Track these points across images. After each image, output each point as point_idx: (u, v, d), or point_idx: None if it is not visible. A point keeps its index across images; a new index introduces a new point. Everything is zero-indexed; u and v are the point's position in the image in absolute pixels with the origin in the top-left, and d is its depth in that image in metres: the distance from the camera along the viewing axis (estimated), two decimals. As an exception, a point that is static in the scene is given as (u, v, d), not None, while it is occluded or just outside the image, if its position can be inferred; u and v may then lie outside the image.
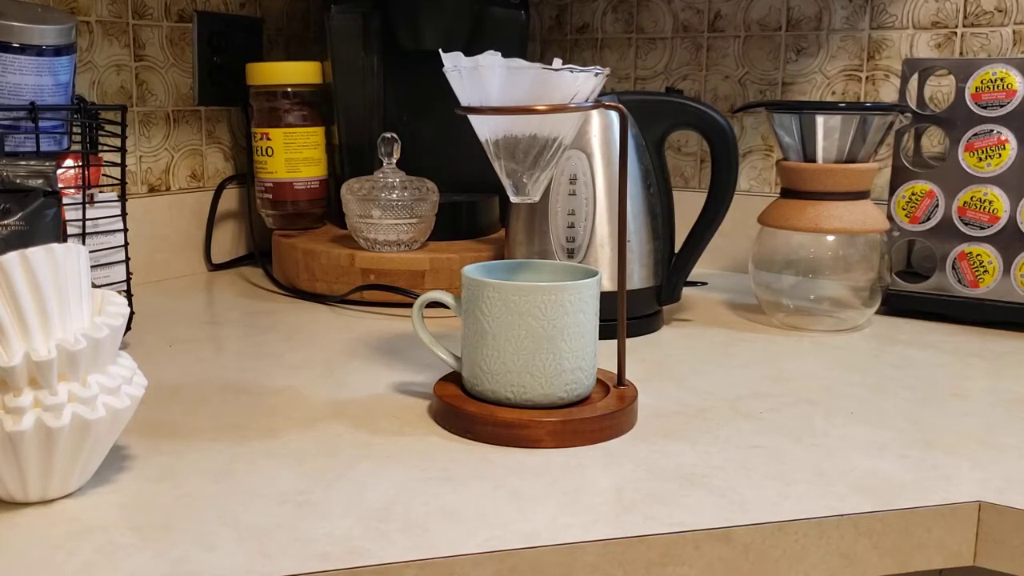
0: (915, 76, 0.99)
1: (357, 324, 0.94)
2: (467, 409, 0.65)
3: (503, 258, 0.97)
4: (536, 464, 0.60)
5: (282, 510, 0.53)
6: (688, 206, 1.21)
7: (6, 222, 0.70)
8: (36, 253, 0.51)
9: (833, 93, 1.15)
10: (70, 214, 0.78)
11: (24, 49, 0.74)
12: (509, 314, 0.64)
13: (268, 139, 1.12)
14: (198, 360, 0.82)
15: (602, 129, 0.88)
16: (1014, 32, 1.04)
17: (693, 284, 1.05)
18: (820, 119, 0.91)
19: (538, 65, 0.61)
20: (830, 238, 0.91)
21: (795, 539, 0.54)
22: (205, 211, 1.19)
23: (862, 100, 1.14)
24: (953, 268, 0.96)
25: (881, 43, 1.12)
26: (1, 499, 0.54)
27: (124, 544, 0.49)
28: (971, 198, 0.95)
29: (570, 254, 0.89)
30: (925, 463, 0.61)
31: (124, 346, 0.85)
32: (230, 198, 1.22)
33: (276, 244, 1.11)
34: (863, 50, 1.13)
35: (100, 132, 0.84)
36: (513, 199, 0.68)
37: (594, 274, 0.67)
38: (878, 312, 1.00)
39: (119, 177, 0.84)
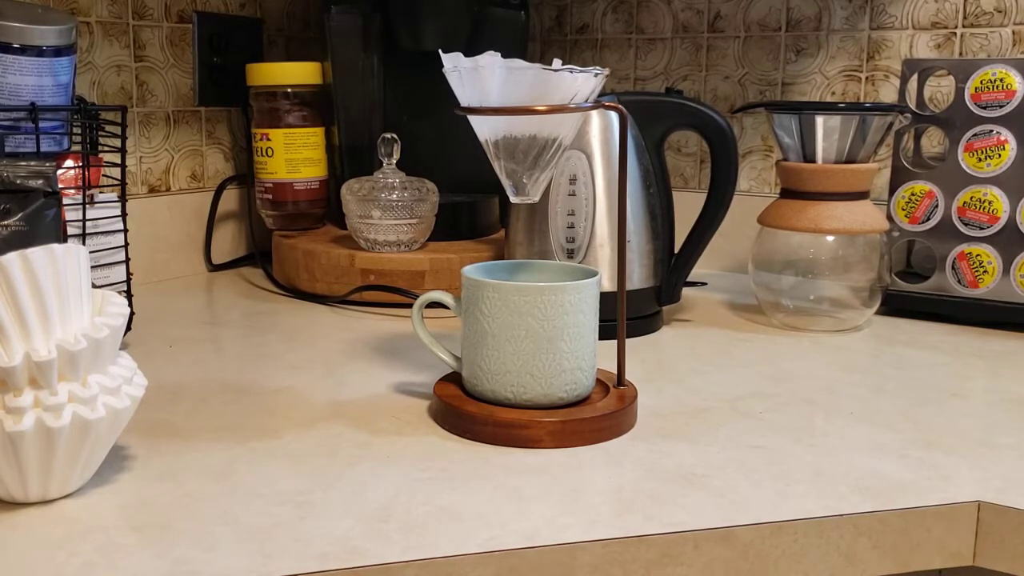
0: (915, 76, 0.99)
1: (357, 324, 0.94)
2: (467, 409, 0.65)
3: (503, 258, 0.97)
4: (536, 464, 0.60)
5: (282, 510, 0.53)
6: (688, 206, 1.21)
7: (6, 222, 0.70)
8: (36, 253, 0.51)
9: (833, 93, 1.15)
10: (70, 214, 0.78)
11: (24, 50, 0.74)
12: (509, 314, 0.64)
13: (268, 139, 1.12)
14: (198, 360, 0.82)
15: (602, 129, 0.88)
16: (1014, 32, 1.05)
17: (693, 284, 1.05)
18: (820, 119, 0.91)
19: (538, 65, 0.61)
20: (830, 238, 0.91)
21: (794, 539, 0.54)
22: (205, 211, 1.19)
23: (862, 100, 1.14)
24: (953, 268, 0.96)
25: (881, 43, 1.12)
26: (1, 499, 0.54)
27: (124, 544, 0.49)
28: (971, 198, 0.95)
29: (570, 254, 0.89)
30: (925, 463, 0.61)
31: (124, 346, 0.85)
32: (230, 198, 1.22)
33: (276, 244, 1.11)
34: (863, 50, 1.13)
35: (100, 133, 0.84)
36: (513, 199, 0.68)
37: (594, 274, 0.67)
38: (878, 312, 1.00)
39: (119, 177, 0.84)
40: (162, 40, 1.12)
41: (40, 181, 0.71)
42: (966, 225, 0.95)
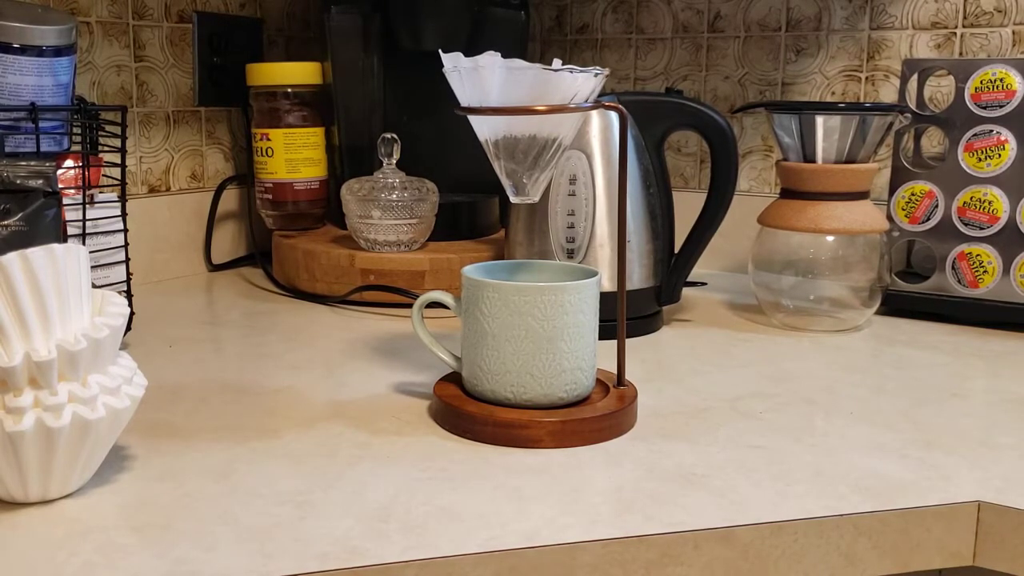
0: (915, 76, 0.99)
1: (357, 324, 0.94)
2: (467, 409, 0.65)
3: (503, 258, 0.97)
4: (536, 464, 0.60)
5: (282, 510, 0.53)
6: (688, 206, 1.21)
7: (6, 222, 0.70)
8: (36, 253, 0.51)
9: (833, 93, 1.15)
10: (70, 214, 0.78)
11: (24, 50, 0.74)
12: (509, 314, 0.64)
13: (268, 139, 1.12)
14: (198, 360, 0.82)
15: (602, 129, 0.88)
16: (1014, 32, 1.05)
17: (693, 284, 1.05)
18: (820, 119, 0.91)
19: (538, 65, 0.61)
20: (830, 238, 0.91)
21: (794, 539, 0.54)
22: (205, 211, 1.19)
23: (862, 100, 1.14)
24: (953, 268, 0.96)
25: (881, 43, 1.12)
26: (1, 499, 0.54)
27: (124, 544, 0.49)
28: (971, 198, 0.95)
29: (570, 254, 0.89)
30: (925, 463, 0.61)
31: (124, 346, 0.85)
32: (230, 198, 1.22)
33: (276, 244, 1.11)
34: (863, 50, 1.13)
35: (100, 132, 0.84)
36: (513, 199, 0.68)
37: (594, 274, 0.68)
38: (878, 312, 1.00)
39: (119, 177, 0.84)
40: (162, 40, 1.12)
41: (40, 181, 0.71)
42: (966, 225, 0.95)
